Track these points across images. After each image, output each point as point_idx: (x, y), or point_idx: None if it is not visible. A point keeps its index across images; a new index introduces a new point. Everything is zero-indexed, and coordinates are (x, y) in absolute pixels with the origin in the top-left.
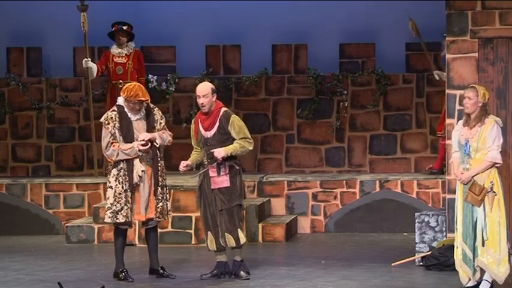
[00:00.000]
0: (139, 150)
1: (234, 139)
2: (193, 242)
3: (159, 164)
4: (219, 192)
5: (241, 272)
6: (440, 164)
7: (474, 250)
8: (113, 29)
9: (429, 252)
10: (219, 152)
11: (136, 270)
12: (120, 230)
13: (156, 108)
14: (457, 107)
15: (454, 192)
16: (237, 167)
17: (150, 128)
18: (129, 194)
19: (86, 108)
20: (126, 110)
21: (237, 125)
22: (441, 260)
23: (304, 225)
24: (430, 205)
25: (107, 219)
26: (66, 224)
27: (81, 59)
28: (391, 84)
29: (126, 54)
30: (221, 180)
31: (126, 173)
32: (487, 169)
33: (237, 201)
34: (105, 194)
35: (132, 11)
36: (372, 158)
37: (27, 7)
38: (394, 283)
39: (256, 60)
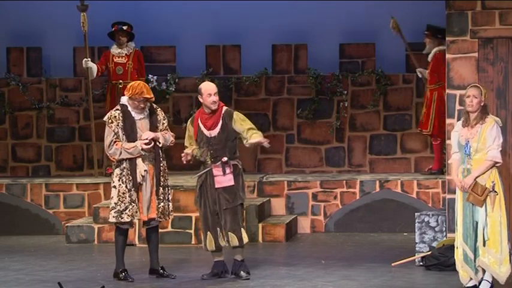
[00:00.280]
0: (142, 149)
1: (236, 137)
2: (193, 242)
3: (162, 164)
4: (223, 191)
5: (242, 272)
6: (439, 164)
7: (475, 250)
8: (113, 29)
9: (429, 252)
10: (259, 139)
11: (136, 270)
12: (122, 230)
13: (159, 109)
14: (457, 107)
15: (454, 192)
16: (240, 166)
17: (153, 128)
18: (133, 193)
19: (86, 108)
20: (129, 109)
21: (240, 118)
22: (441, 260)
23: (304, 225)
24: (430, 205)
25: (111, 219)
26: (66, 224)
27: (81, 59)
28: (391, 84)
29: (126, 54)
30: (226, 179)
31: (129, 172)
32: (488, 169)
33: (240, 200)
34: (105, 194)
35: (132, 11)
36: (372, 158)
37: (27, 7)
38: (394, 283)
39: (256, 60)
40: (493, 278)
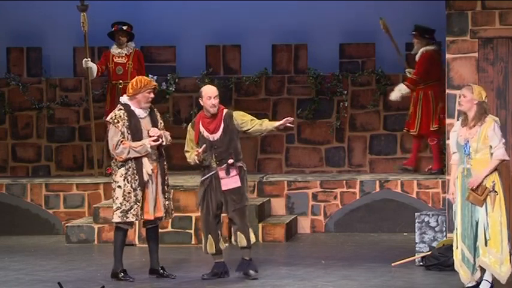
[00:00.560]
0: (150, 146)
1: (238, 137)
2: (193, 242)
3: (164, 163)
4: (231, 193)
5: (250, 271)
6: (438, 164)
7: (475, 250)
8: (113, 29)
9: (429, 252)
10: (281, 121)
11: (136, 270)
12: (122, 230)
13: (155, 109)
14: (457, 107)
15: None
16: (245, 168)
17: (155, 126)
18: (138, 192)
19: (86, 108)
20: (132, 108)
21: (240, 114)
22: (441, 260)
23: (304, 225)
24: (430, 205)
25: (116, 219)
26: (66, 224)
27: (81, 59)
28: (391, 84)
29: (126, 54)
30: (232, 181)
31: (135, 171)
32: (496, 168)
33: (247, 201)
34: (105, 194)
35: (132, 11)
36: (372, 158)
37: (27, 7)
38: (394, 283)
39: (256, 60)
40: (493, 277)
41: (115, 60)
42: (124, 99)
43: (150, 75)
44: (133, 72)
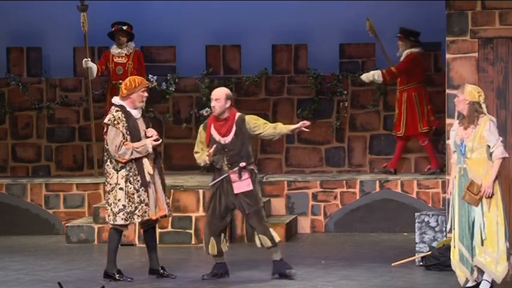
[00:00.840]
0: (151, 146)
1: (249, 142)
2: (193, 242)
3: (161, 163)
4: (244, 196)
5: (287, 270)
6: (436, 163)
7: (472, 250)
8: (113, 29)
9: (429, 252)
10: (297, 125)
11: (136, 271)
12: (119, 231)
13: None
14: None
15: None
16: (256, 171)
17: (148, 126)
18: (141, 193)
19: (86, 108)
20: (128, 109)
21: (253, 118)
22: (441, 260)
23: (304, 225)
24: (430, 205)
25: (120, 221)
26: (66, 224)
27: (81, 59)
28: (391, 84)
29: (126, 54)
30: (244, 184)
31: (136, 172)
32: (498, 167)
33: (261, 202)
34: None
35: (132, 11)
36: (372, 158)
37: (27, 7)
38: (394, 283)
39: (256, 60)
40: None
41: (115, 60)
42: (117, 100)
43: (150, 75)
44: (133, 72)
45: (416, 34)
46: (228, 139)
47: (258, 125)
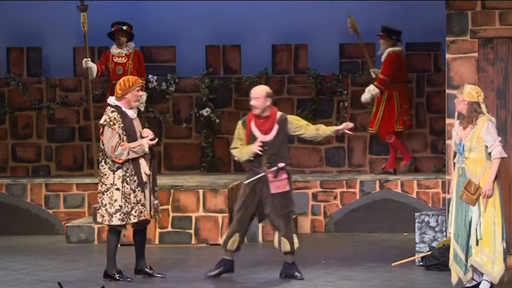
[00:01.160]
0: (148, 146)
1: (286, 142)
2: (193, 242)
3: (155, 163)
4: (279, 196)
5: (296, 273)
6: (392, 164)
7: (467, 250)
8: (113, 29)
9: (429, 252)
10: (341, 126)
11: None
12: (117, 231)
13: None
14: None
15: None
16: (290, 172)
17: (144, 126)
18: (138, 193)
19: (86, 108)
20: (123, 109)
21: (295, 118)
22: (441, 260)
23: (304, 225)
24: (430, 205)
25: (116, 222)
26: (66, 224)
27: (81, 59)
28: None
29: (126, 54)
30: (282, 185)
31: (133, 172)
32: (497, 167)
33: (293, 205)
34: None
35: (132, 11)
36: (372, 158)
37: (27, 7)
38: (394, 283)
39: (256, 60)
40: None
41: (115, 60)
42: (112, 100)
43: (150, 75)
44: (133, 72)
45: (398, 33)
46: (269, 137)
47: (300, 125)
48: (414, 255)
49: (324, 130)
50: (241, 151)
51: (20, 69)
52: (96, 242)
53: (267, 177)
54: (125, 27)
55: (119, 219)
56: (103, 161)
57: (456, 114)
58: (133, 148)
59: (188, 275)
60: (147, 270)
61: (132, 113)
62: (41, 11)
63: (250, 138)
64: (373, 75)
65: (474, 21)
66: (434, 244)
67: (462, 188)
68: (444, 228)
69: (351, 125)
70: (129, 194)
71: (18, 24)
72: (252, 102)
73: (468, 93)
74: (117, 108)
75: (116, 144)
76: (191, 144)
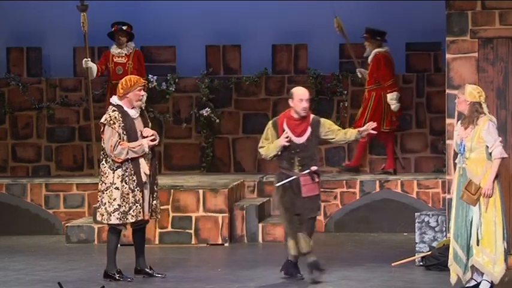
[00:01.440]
0: (148, 146)
1: (317, 144)
2: (193, 242)
3: (156, 163)
4: (309, 200)
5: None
6: (357, 161)
7: (468, 250)
8: (113, 29)
9: (429, 252)
10: (365, 127)
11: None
12: (117, 231)
13: (145, 110)
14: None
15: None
16: (320, 176)
17: (146, 126)
18: (136, 193)
19: (86, 108)
20: (125, 109)
21: (328, 122)
22: (441, 260)
23: None
24: (430, 205)
25: (114, 221)
26: (66, 224)
27: (81, 59)
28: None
29: (126, 54)
30: (314, 188)
31: (132, 172)
32: (497, 167)
33: (319, 209)
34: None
35: (132, 11)
36: (372, 158)
37: (27, 7)
38: (394, 283)
39: (256, 60)
40: None
41: (115, 60)
42: (115, 100)
43: (150, 75)
44: (134, 72)
45: (383, 34)
46: (302, 139)
47: (332, 130)
48: (414, 255)
49: (351, 134)
50: (268, 148)
51: (20, 69)
52: (96, 242)
53: (299, 180)
54: (124, 27)
55: (117, 218)
56: (104, 159)
57: (456, 114)
58: (133, 148)
59: (188, 275)
60: (147, 270)
61: (133, 113)
62: (41, 11)
63: None
64: (359, 75)
65: (474, 21)
66: (434, 244)
67: (463, 188)
68: (444, 228)
69: (374, 124)
70: (128, 194)
71: (18, 24)
72: (305, 104)
73: (470, 93)
74: (119, 108)
75: (116, 143)
76: (191, 144)
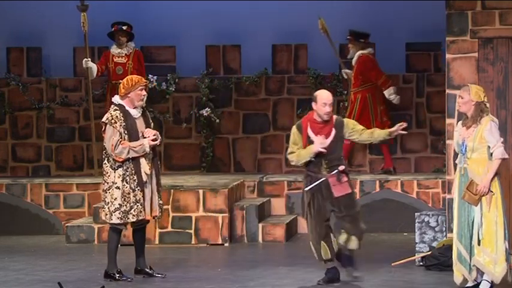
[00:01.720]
0: (149, 146)
1: (342, 145)
2: (193, 242)
3: (158, 162)
4: (342, 199)
5: (353, 270)
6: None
7: (471, 249)
8: (113, 29)
9: (429, 252)
10: (394, 128)
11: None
12: (118, 231)
13: (147, 110)
14: (457, 107)
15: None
16: (348, 174)
17: (148, 126)
18: (137, 193)
19: (86, 108)
20: (127, 108)
21: (352, 122)
22: (441, 260)
23: (304, 225)
24: (430, 205)
25: (115, 220)
26: (66, 224)
27: (81, 59)
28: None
29: (126, 54)
30: (344, 187)
31: (133, 172)
32: (497, 167)
33: (358, 206)
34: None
35: (132, 11)
36: (372, 158)
37: (27, 7)
38: (394, 283)
39: (256, 60)
40: None
41: (115, 60)
42: (117, 99)
43: (150, 75)
44: (134, 72)
45: (366, 35)
46: (327, 141)
47: (356, 130)
48: (414, 255)
49: (378, 134)
50: (299, 154)
51: (20, 69)
52: (96, 242)
53: (328, 182)
54: (124, 27)
55: (118, 218)
56: (106, 159)
57: (456, 114)
58: (134, 147)
59: (188, 275)
60: (147, 270)
61: (135, 112)
62: (41, 11)
63: (308, 143)
64: (345, 76)
65: (474, 21)
66: (434, 244)
67: (464, 189)
68: (444, 228)
69: (404, 124)
70: (129, 193)
71: (18, 24)
72: (328, 109)
73: (475, 94)
74: (121, 107)
75: (117, 142)
76: (191, 144)
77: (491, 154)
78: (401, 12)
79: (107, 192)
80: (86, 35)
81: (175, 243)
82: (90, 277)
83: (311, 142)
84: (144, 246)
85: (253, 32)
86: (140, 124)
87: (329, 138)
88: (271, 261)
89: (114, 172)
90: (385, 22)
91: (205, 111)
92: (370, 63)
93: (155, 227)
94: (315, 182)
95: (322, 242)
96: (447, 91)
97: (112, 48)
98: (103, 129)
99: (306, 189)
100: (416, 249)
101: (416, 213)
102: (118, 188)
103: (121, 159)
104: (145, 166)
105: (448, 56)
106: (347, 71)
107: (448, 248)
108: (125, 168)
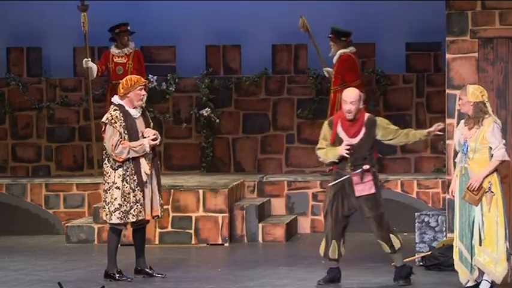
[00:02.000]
0: (149, 145)
1: (373, 144)
2: (193, 242)
3: (158, 162)
4: (366, 199)
5: (400, 280)
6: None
7: (471, 249)
8: (117, 30)
9: (429, 252)
10: (430, 129)
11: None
12: (118, 231)
13: (146, 110)
14: (457, 107)
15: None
16: (377, 174)
17: (148, 126)
18: (137, 193)
19: (86, 108)
20: (126, 108)
21: (384, 122)
22: (441, 260)
23: (304, 225)
24: (430, 205)
25: (115, 220)
26: (66, 224)
27: (81, 59)
28: (391, 84)
29: (126, 54)
30: (367, 188)
31: (133, 172)
32: (495, 169)
33: (382, 207)
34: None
35: (132, 11)
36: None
37: (27, 7)
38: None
39: (256, 60)
40: None
41: (115, 60)
42: (116, 99)
43: (150, 75)
44: (134, 72)
45: (347, 34)
46: (355, 140)
47: (389, 130)
48: (414, 255)
49: (414, 135)
50: (326, 153)
51: (20, 69)
52: (96, 242)
53: (352, 180)
54: (128, 27)
55: (118, 218)
56: (106, 159)
57: (456, 114)
58: (134, 147)
59: (188, 275)
60: (147, 270)
61: (135, 112)
62: (41, 11)
63: (336, 140)
64: (326, 75)
65: (474, 21)
66: (434, 244)
67: (465, 189)
68: (444, 228)
69: (442, 125)
70: (129, 193)
71: (18, 24)
72: (348, 107)
73: (472, 94)
74: (120, 107)
75: (117, 142)
76: (191, 144)
77: (492, 155)
78: (401, 12)
79: (107, 193)
80: (86, 35)
81: (175, 243)
82: (90, 277)
83: (339, 139)
84: (144, 246)
85: (253, 32)
86: (140, 124)
87: (357, 137)
88: (271, 261)
89: (114, 172)
90: (385, 22)
91: (205, 111)
92: (350, 62)
93: (155, 227)
94: (339, 178)
95: (333, 240)
96: (447, 91)
97: (112, 48)
98: (103, 129)
99: (329, 185)
100: (416, 249)
101: (416, 213)
102: (118, 188)
103: (121, 159)
104: (145, 166)
105: (448, 56)
106: (328, 69)
107: (448, 248)
108: (125, 168)
